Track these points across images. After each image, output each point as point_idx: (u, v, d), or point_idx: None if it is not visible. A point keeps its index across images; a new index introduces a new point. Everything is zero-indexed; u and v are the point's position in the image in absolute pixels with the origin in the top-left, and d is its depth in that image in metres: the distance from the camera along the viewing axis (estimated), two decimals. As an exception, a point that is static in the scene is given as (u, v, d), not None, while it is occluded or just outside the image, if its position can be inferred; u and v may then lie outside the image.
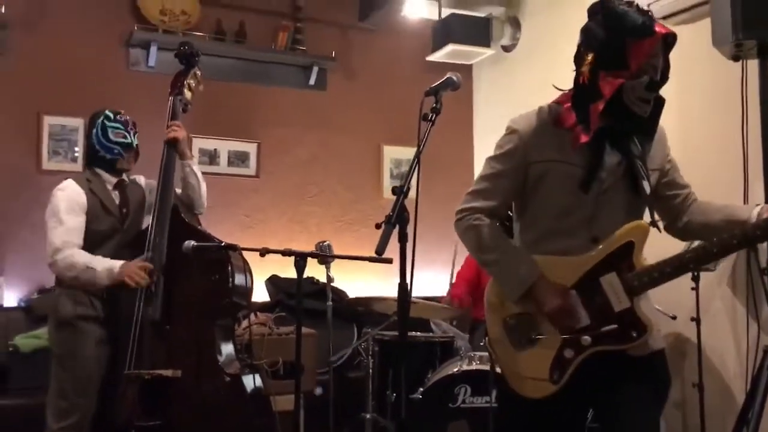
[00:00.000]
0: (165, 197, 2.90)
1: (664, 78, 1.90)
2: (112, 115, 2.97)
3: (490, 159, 2.02)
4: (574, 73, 1.94)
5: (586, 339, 1.87)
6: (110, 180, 2.96)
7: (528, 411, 2.00)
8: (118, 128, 2.95)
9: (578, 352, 1.88)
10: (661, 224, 1.99)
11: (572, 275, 1.92)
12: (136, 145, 3.00)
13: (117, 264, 2.76)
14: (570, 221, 1.91)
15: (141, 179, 3.14)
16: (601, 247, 1.89)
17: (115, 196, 2.96)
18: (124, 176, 3.01)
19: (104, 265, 2.75)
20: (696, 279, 3.30)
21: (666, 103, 1.93)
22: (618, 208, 1.90)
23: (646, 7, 1.87)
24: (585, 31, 1.91)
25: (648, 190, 1.88)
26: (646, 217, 1.99)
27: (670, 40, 1.87)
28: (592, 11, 1.91)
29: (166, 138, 3.02)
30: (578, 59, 1.93)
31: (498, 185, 1.98)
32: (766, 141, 2.75)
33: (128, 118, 3.02)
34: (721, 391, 3.45)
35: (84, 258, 2.76)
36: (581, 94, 1.90)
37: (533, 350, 1.94)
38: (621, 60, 1.80)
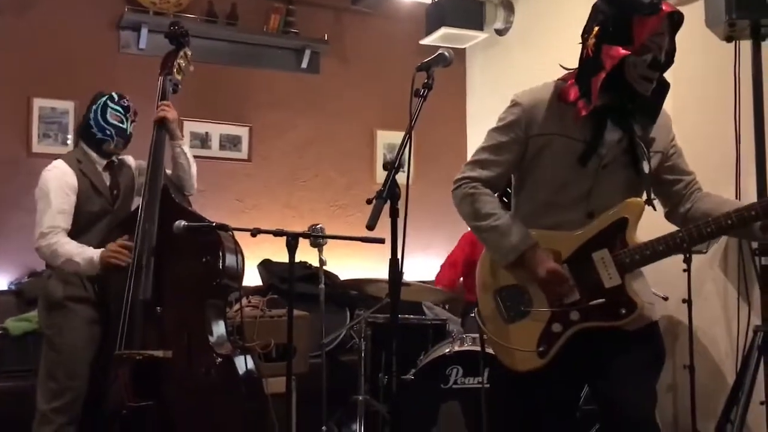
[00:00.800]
0: (154, 178, 2.88)
1: (670, 60, 1.90)
2: (116, 97, 2.97)
3: (492, 130, 2.03)
4: (581, 47, 1.94)
5: (575, 314, 1.89)
6: (100, 161, 2.93)
7: (521, 388, 2.02)
8: (117, 111, 2.94)
9: (566, 326, 1.90)
10: (657, 203, 2.00)
11: (565, 250, 1.93)
12: (130, 133, 2.98)
13: (96, 254, 2.74)
14: (567, 195, 1.92)
15: (130, 159, 3.11)
16: (595, 222, 1.90)
17: (106, 177, 2.94)
18: (114, 157, 2.98)
19: (85, 257, 2.74)
20: (688, 261, 3.31)
21: None
22: (616, 184, 1.91)
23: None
24: (594, 7, 1.92)
25: (647, 169, 1.88)
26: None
27: (676, 18, 1.86)
28: None
29: (155, 117, 2.99)
30: (585, 33, 1.94)
31: (498, 156, 1.99)
32: (759, 122, 2.75)
33: (131, 104, 3.01)
34: (712, 372, 3.46)
35: (67, 249, 2.73)
36: (585, 67, 1.91)
37: (523, 323, 1.96)
38: (625, 34, 1.80)
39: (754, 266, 2.86)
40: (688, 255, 3.30)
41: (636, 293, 1.88)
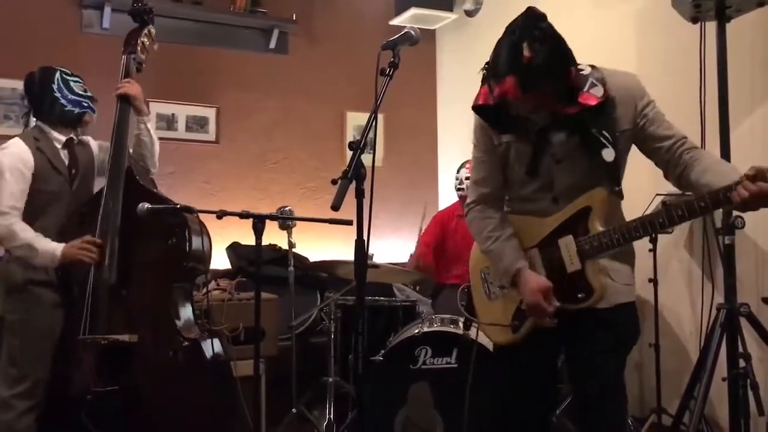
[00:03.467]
0: (118, 157, 2.81)
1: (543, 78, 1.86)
2: (68, 70, 2.90)
3: (473, 151, 2.18)
4: None
5: None
6: (59, 138, 2.85)
7: (501, 361, 2.23)
8: (78, 82, 2.89)
9: None
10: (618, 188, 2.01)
11: (538, 234, 2.08)
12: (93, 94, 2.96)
13: (59, 248, 2.67)
14: (530, 189, 2.06)
15: (89, 140, 3.03)
16: (564, 209, 2.01)
17: (64, 155, 2.85)
18: (73, 135, 2.90)
19: (46, 247, 2.66)
20: (654, 241, 3.34)
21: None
22: (577, 173, 1.98)
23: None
24: None
25: (610, 156, 1.90)
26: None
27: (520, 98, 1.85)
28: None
29: (116, 93, 2.91)
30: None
31: (484, 172, 2.14)
32: (723, 102, 2.77)
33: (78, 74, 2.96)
34: (677, 350, 3.52)
35: (27, 235, 2.66)
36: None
37: (500, 301, 2.15)
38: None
39: (718, 246, 2.90)
40: (654, 235, 3.34)
41: (597, 278, 1.95)
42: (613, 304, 2.00)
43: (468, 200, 2.21)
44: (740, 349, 2.58)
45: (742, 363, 2.56)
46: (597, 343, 2.00)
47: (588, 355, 2.03)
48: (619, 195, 2.00)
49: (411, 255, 4.17)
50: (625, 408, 2.14)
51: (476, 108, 2.02)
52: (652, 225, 1.89)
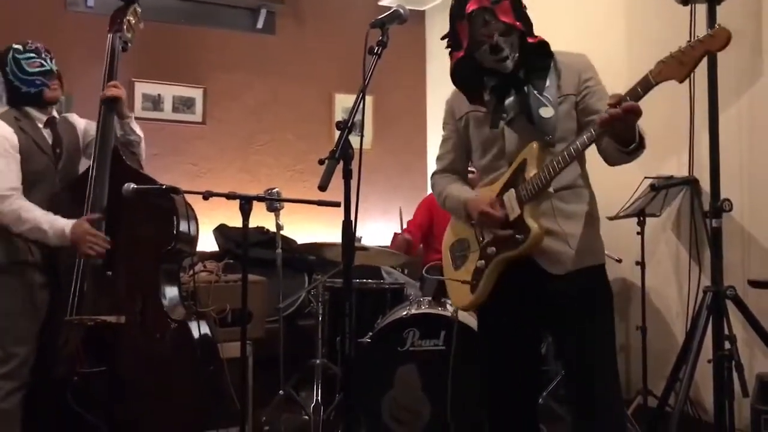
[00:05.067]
0: (105, 143, 2.76)
1: (510, 31, 2.06)
2: (21, 47, 2.75)
3: (442, 127, 2.37)
4: None
5: (491, 248, 2.13)
6: (40, 118, 2.79)
7: (485, 347, 2.28)
8: (31, 58, 2.73)
9: (488, 261, 2.14)
10: (552, 138, 2.09)
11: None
12: (57, 70, 2.80)
13: (67, 227, 2.61)
14: (490, 156, 2.18)
15: (75, 118, 2.98)
16: (508, 169, 2.14)
17: (47, 134, 2.79)
18: (54, 113, 2.84)
19: (55, 227, 2.61)
20: (641, 224, 3.35)
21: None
22: (524, 135, 2.09)
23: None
24: None
25: (549, 113, 2.05)
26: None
27: (491, 7, 2.04)
28: None
29: (103, 96, 2.83)
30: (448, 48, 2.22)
31: (447, 148, 2.36)
32: (712, 86, 2.77)
33: (39, 44, 2.78)
34: (663, 332, 3.55)
35: (35, 216, 2.61)
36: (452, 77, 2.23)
37: (463, 267, 2.25)
38: (456, 41, 2.13)
39: (705, 229, 2.90)
40: (641, 218, 3.35)
41: (534, 219, 2.03)
42: (575, 266, 2.05)
43: (433, 171, 2.42)
44: (726, 332, 2.60)
45: (727, 345, 2.58)
46: (578, 319, 2.05)
47: (574, 333, 2.08)
48: (553, 144, 2.07)
49: (395, 233, 4.14)
50: (618, 386, 2.16)
51: (453, 71, 2.18)
52: (570, 152, 1.96)
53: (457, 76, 2.19)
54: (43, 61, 2.76)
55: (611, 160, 2.08)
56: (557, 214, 2.09)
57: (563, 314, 2.08)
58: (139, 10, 3.04)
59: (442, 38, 2.20)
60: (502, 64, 2.07)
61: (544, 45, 2.11)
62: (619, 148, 1.95)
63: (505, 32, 2.05)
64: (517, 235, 2.05)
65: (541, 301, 2.09)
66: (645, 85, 1.85)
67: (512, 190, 2.09)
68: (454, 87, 2.26)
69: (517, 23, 2.06)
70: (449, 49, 2.18)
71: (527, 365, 2.20)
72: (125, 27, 2.94)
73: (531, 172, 2.05)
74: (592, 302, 2.09)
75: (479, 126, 2.20)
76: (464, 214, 2.22)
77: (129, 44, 2.99)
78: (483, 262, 2.16)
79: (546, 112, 2.07)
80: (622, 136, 1.91)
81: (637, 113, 1.82)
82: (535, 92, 2.08)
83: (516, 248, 2.06)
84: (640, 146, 1.94)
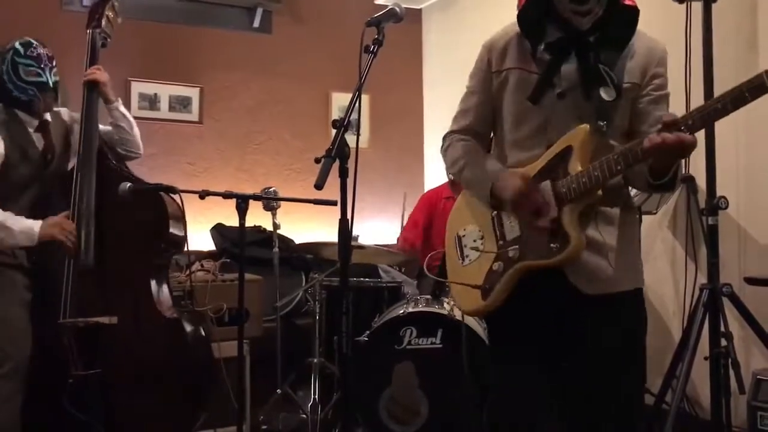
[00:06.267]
0: (89, 141, 2.73)
1: None
2: (22, 50, 2.64)
3: (467, 82, 1.98)
4: None
5: (514, 251, 1.76)
6: (31, 122, 2.72)
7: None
8: (30, 65, 2.64)
9: (506, 265, 1.78)
10: (607, 128, 1.75)
11: None
12: (55, 83, 2.72)
13: (36, 225, 2.57)
14: (525, 130, 1.80)
15: (64, 112, 2.91)
16: (545, 153, 1.77)
17: (38, 139, 2.73)
18: (47, 116, 2.78)
19: (21, 226, 2.56)
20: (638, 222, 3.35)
21: None
22: (574, 115, 1.73)
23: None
24: None
25: (610, 96, 1.70)
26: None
27: None
28: None
29: (85, 79, 2.81)
30: None
31: (469, 103, 1.94)
32: (708, 82, 2.77)
33: (43, 51, 2.69)
34: (660, 329, 3.55)
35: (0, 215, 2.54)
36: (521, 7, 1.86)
37: (474, 265, 1.87)
38: None
39: (701, 226, 2.91)
40: (638, 216, 3.35)
41: (575, 226, 1.67)
42: (610, 289, 1.72)
43: (445, 133, 2.01)
44: (722, 329, 2.61)
45: (723, 342, 2.58)
46: (610, 368, 1.71)
47: (600, 386, 1.73)
48: (606, 134, 1.73)
49: (399, 237, 4.15)
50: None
51: (520, 14, 1.80)
52: (634, 154, 1.61)
53: (523, 13, 1.80)
54: (41, 72, 2.66)
55: (630, 182, 1.78)
56: (600, 218, 1.74)
57: (591, 354, 1.73)
58: (116, 4, 3.00)
59: None
60: (580, 18, 1.71)
61: (635, 13, 1.77)
62: (648, 179, 1.65)
63: None
64: (551, 244, 1.68)
65: (564, 325, 1.75)
66: (750, 92, 1.45)
67: (548, 184, 1.71)
68: (499, 33, 1.88)
69: None
70: None
71: (541, 387, 1.81)
72: (104, 22, 2.91)
73: (577, 166, 1.68)
74: (631, 346, 1.76)
75: (520, 90, 1.79)
76: (487, 193, 1.79)
77: (109, 39, 2.95)
78: (501, 264, 1.78)
79: (607, 93, 1.70)
80: (658, 166, 1.62)
81: (692, 148, 1.54)
82: (602, 66, 1.71)
83: (547, 258, 1.69)
84: (672, 185, 1.67)
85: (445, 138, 2.00)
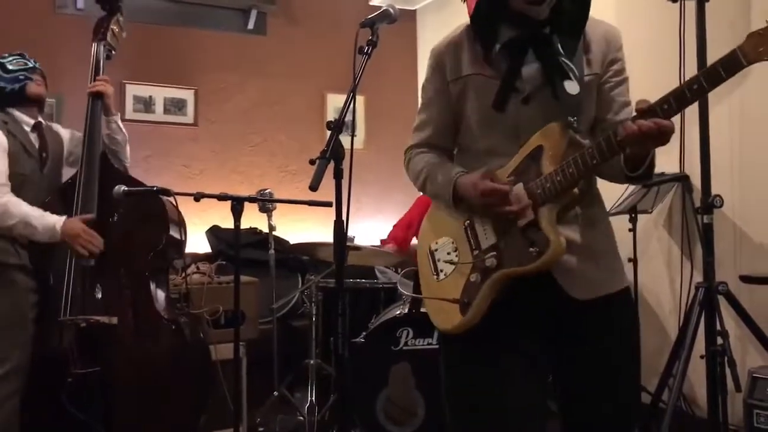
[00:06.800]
0: (92, 145, 2.79)
1: None
2: (6, 55, 2.85)
3: (421, 92, 1.89)
4: None
5: (491, 260, 1.65)
6: (27, 121, 2.80)
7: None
8: (15, 60, 2.83)
9: (484, 276, 1.66)
10: (578, 123, 1.65)
11: None
12: (39, 67, 2.87)
13: (58, 223, 2.62)
14: (495, 137, 1.70)
15: (59, 127, 3.01)
16: (515, 156, 1.66)
17: (34, 138, 2.82)
18: (41, 118, 2.86)
19: (46, 223, 2.62)
20: (633, 221, 3.36)
21: None
22: (542, 116, 1.64)
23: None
24: None
25: (574, 90, 1.61)
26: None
27: None
28: None
29: (90, 90, 2.87)
30: None
31: (427, 114, 1.83)
32: (702, 82, 2.77)
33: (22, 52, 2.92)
34: (656, 328, 3.56)
35: (23, 210, 2.60)
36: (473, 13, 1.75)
37: (449, 279, 1.74)
38: None
39: (697, 225, 2.92)
40: (633, 215, 3.36)
41: (553, 227, 1.58)
42: (599, 294, 1.65)
43: (407, 146, 1.90)
44: (718, 327, 2.61)
45: (719, 340, 2.58)
46: (608, 373, 1.66)
47: (599, 392, 1.66)
48: (578, 129, 1.64)
49: (388, 235, 4.14)
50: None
51: (473, 16, 1.71)
52: (609, 145, 1.51)
53: (476, 14, 1.70)
54: (26, 61, 2.83)
55: (605, 175, 1.68)
56: (582, 220, 1.65)
57: (586, 357, 1.66)
58: (121, 19, 3.08)
59: None
60: (536, 8, 1.63)
61: None
62: (625, 170, 1.57)
63: None
64: (530, 248, 1.58)
65: (553, 330, 1.66)
66: (725, 69, 1.37)
67: (520, 187, 1.62)
68: (446, 40, 1.80)
69: None
70: None
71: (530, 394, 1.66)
72: (109, 36, 2.97)
73: (549, 165, 1.59)
74: (626, 346, 1.70)
75: (482, 95, 1.69)
76: (449, 196, 1.70)
77: (113, 52, 3.03)
78: (477, 276, 1.67)
79: (571, 87, 1.61)
80: (633, 156, 1.53)
81: (670, 134, 1.45)
82: (563, 60, 1.62)
83: (527, 264, 1.58)
84: (649, 176, 1.58)
85: (405, 153, 1.90)
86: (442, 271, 1.77)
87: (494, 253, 1.65)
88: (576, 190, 1.60)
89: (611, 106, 1.69)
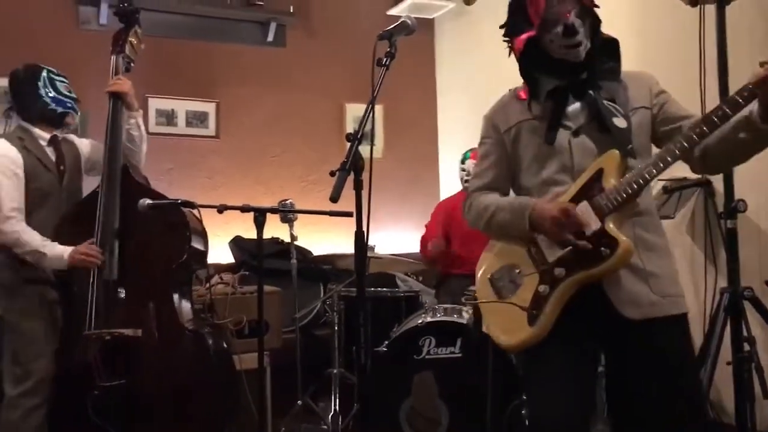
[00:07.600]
0: (114, 154, 2.82)
1: (589, 12, 1.87)
2: (55, 69, 2.91)
3: (479, 147, 2.10)
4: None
5: (560, 270, 1.80)
6: (43, 136, 2.85)
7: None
8: (64, 82, 2.91)
9: (553, 285, 1.81)
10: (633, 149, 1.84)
11: None
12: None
13: (66, 253, 2.69)
14: (550, 170, 1.89)
15: (74, 138, 3.05)
16: (577, 180, 1.85)
17: (50, 152, 2.86)
18: (57, 132, 2.91)
19: (54, 252, 2.69)
20: (656, 227, 3.33)
21: (623, 51, 1.93)
22: (593, 147, 1.85)
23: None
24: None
25: (622, 124, 1.82)
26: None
27: None
28: None
29: (108, 90, 2.91)
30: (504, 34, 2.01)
31: (486, 163, 2.04)
32: (723, 85, 2.76)
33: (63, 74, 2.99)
34: (681, 335, 3.52)
35: (32, 238, 2.68)
36: (519, 65, 1.97)
37: (515, 295, 1.89)
38: (524, 19, 1.89)
39: (720, 229, 2.89)
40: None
41: (620, 230, 1.75)
42: (654, 314, 1.77)
43: (469, 190, 2.12)
44: (744, 333, 2.58)
45: (746, 347, 2.56)
46: (652, 372, 1.78)
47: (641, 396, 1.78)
48: (634, 155, 1.82)
49: (423, 237, 4.06)
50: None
51: (522, 53, 1.91)
52: (672, 155, 1.72)
53: (525, 59, 1.91)
54: (72, 89, 2.92)
55: (717, 157, 1.82)
56: (639, 244, 1.79)
57: (639, 375, 1.79)
58: (140, 31, 3.11)
59: (501, 27, 1.99)
60: (574, 51, 1.83)
61: (615, 43, 1.89)
62: (758, 123, 1.71)
63: (581, 14, 1.83)
64: (602, 249, 1.73)
65: (605, 349, 1.85)
66: None
67: (585, 204, 1.79)
68: (495, 104, 2.05)
69: (595, 6, 1.86)
70: (507, 37, 1.97)
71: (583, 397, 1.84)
72: (128, 48, 3.01)
73: (611, 181, 1.78)
74: (678, 367, 1.80)
75: (534, 134, 1.92)
76: (525, 222, 1.85)
77: (132, 63, 3.06)
78: (546, 287, 1.81)
79: (620, 122, 1.82)
80: (765, 101, 1.68)
81: None
82: (605, 101, 1.84)
83: (598, 264, 1.74)
84: None
85: (468, 197, 2.07)
86: (505, 288, 1.91)
87: (562, 264, 1.80)
88: (637, 200, 1.77)
89: (673, 118, 1.88)
